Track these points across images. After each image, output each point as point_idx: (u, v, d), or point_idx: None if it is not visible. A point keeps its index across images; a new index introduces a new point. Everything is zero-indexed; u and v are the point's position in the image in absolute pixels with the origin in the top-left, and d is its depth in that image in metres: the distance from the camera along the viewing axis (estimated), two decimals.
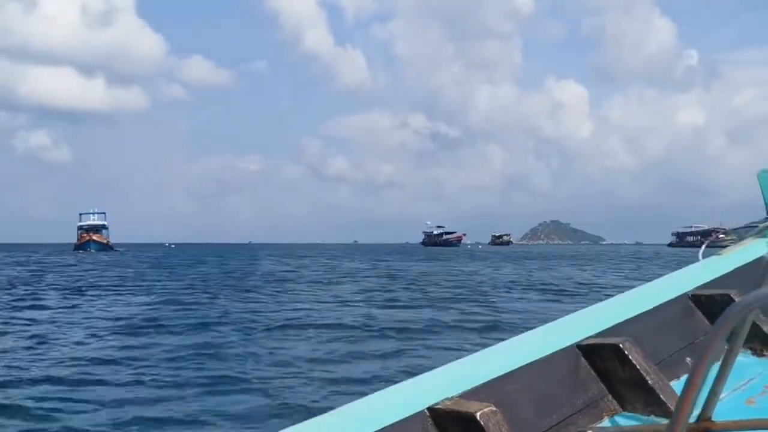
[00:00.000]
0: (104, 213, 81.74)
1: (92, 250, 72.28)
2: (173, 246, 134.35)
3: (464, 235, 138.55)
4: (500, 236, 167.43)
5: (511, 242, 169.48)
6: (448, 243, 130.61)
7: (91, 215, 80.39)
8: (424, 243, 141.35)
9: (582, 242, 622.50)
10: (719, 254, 2.54)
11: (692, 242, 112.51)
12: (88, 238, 74.95)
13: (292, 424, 1.25)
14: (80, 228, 78.61)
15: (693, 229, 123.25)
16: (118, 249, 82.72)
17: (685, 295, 2.14)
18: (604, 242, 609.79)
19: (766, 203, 2.78)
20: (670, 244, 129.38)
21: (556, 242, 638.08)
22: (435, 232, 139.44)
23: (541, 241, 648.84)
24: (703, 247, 2.66)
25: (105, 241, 77.19)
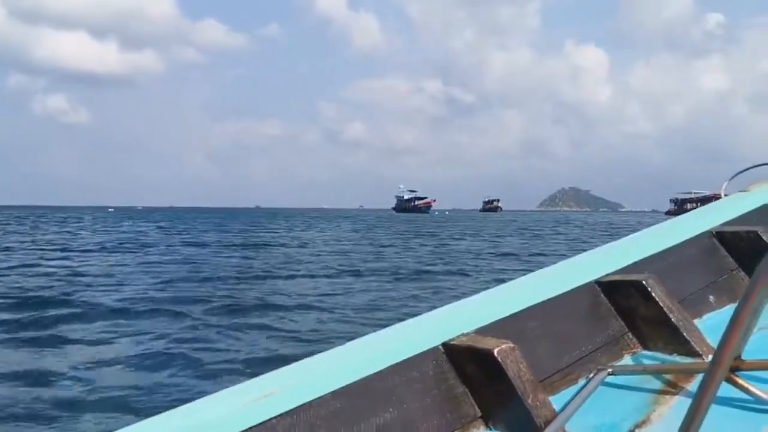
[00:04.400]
0: None
1: None
2: (112, 210, 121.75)
3: (434, 200, 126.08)
4: (491, 201, 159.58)
5: (500, 208, 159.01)
6: (417, 209, 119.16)
7: None
8: (395, 209, 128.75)
9: (600, 209, 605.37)
10: (745, 191, 2.48)
11: (691, 210, 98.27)
12: None
13: None
14: None
15: (693, 196, 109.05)
16: None
17: (708, 232, 2.07)
18: (623, 209, 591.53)
19: None
20: (667, 212, 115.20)
21: (574, 209, 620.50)
22: (406, 197, 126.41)
23: (558, 209, 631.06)
24: (726, 183, 2.57)
25: None
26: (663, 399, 1.32)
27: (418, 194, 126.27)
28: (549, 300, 1.54)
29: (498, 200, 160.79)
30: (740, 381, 1.22)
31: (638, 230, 2.12)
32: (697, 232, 2.03)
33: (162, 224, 51.53)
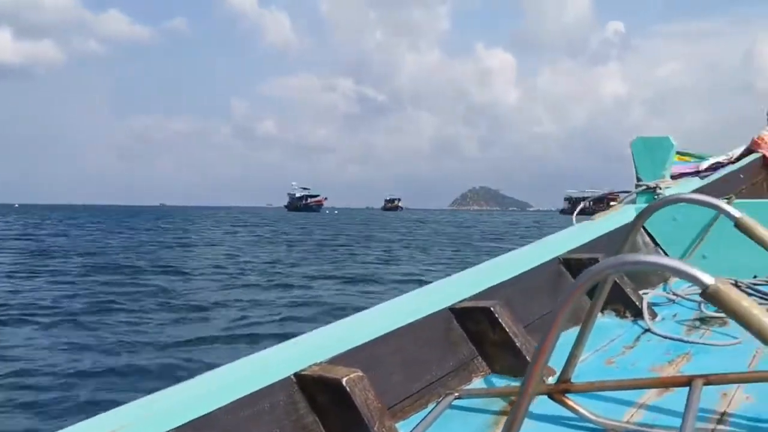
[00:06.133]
0: None
1: None
2: None
3: (325, 198, 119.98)
4: (392, 201, 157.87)
5: (401, 207, 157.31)
6: (308, 207, 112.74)
7: None
8: (287, 207, 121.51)
9: (510, 208, 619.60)
10: (592, 219, 2.69)
11: (584, 209, 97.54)
12: None
13: None
14: None
15: (587, 194, 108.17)
16: None
17: (556, 258, 2.19)
18: (531, 208, 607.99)
19: (636, 171, 2.95)
20: (562, 211, 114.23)
21: (484, 208, 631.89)
22: (298, 195, 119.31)
23: (468, 207, 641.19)
24: (576, 211, 2.78)
25: None
26: (504, 420, 1.36)
27: (311, 192, 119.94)
28: (403, 327, 1.56)
29: (399, 199, 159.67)
30: (570, 402, 1.31)
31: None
32: (546, 259, 2.13)
33: None
